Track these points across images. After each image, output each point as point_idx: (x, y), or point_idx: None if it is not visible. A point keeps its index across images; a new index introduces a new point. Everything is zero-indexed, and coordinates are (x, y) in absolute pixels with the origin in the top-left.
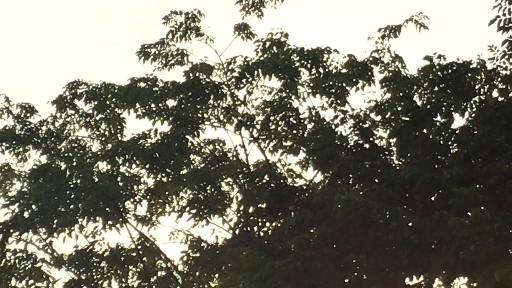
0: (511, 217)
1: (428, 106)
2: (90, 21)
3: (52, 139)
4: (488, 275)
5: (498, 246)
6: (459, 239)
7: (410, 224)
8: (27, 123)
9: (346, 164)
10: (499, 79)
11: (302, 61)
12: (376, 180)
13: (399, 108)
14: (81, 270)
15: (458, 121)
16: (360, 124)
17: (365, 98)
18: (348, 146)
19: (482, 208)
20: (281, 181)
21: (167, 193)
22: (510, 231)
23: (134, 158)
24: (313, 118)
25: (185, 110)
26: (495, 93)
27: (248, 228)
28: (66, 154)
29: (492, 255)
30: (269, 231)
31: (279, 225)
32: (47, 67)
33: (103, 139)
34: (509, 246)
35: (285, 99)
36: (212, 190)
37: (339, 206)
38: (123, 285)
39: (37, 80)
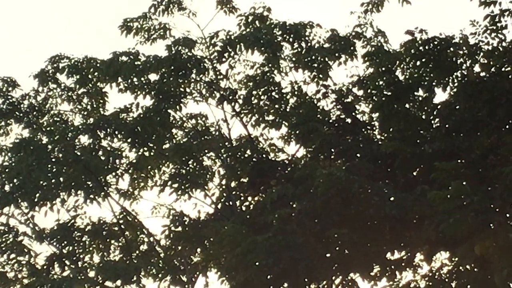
0: (492, 192)
1: (410, 81)
2: None
3: (34, 113)
4: (469, 248)
5: (477, 220)
6: (440, 214)
7: (391, 198)
8: (9, 97)
9: (328, 138)
10: (481, 53)
11: (285, 36)
12: (358, 155)
13: (381, 83)
14: (63, 244)
15: (440, 96)
16: (342, 98)
17: (348, 72)
18: (330, 121)
19: (462, 182)
20: (263, 155)
21: (149, 167)
22: (492, 205)
23: (116, 132)
24: (295, 92)
25: (167, 84)
26: (477, 68)
27: (230, 203)
28: (48, 128)
29: (472, 229)
30: (251, 206)
31: (261, 199)
32: (29, 40)
33: (85, 113)
34: (489, 219)
35: (268, 74)
36: (194, 164)
37: (320, 180)
38: (105, 259)
39: (19, 53)
